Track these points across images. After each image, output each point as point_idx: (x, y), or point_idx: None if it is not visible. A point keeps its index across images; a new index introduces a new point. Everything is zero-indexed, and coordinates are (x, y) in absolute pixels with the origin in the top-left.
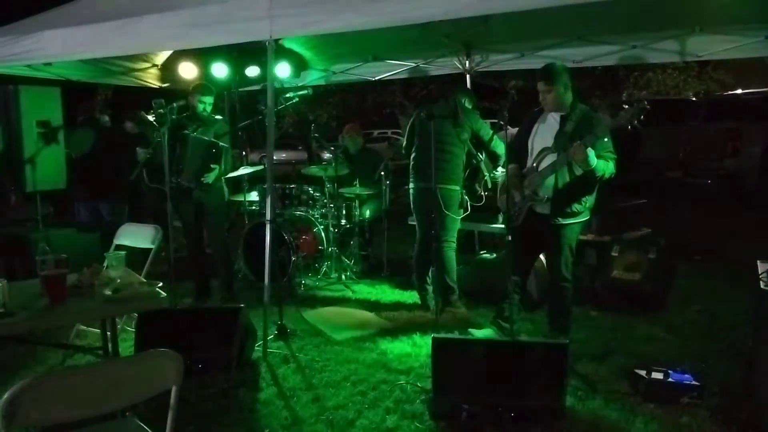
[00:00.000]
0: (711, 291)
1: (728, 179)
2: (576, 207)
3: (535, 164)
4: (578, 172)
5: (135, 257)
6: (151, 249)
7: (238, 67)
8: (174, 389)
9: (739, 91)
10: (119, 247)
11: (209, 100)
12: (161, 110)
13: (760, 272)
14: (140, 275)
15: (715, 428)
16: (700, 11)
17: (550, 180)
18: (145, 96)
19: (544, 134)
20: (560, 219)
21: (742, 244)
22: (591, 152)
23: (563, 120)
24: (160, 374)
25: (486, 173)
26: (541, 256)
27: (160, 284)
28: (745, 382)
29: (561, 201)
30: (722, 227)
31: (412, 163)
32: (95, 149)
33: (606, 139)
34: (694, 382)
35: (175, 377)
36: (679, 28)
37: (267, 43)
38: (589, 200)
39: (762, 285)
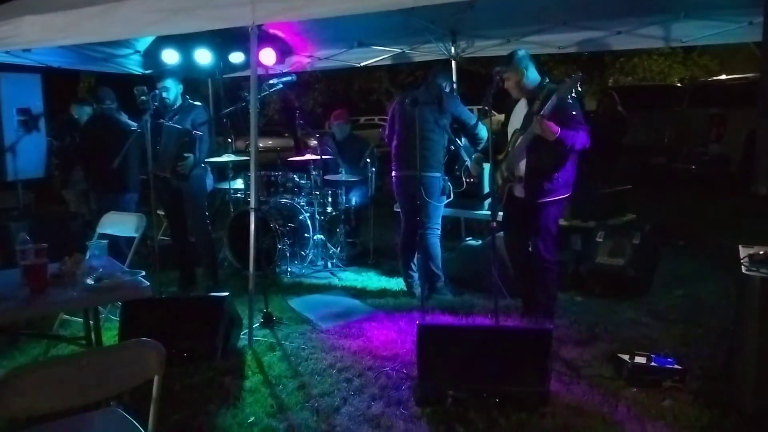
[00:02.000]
0: (694, 275)
1: (713, 165)
2: (547, 185)
3: (509, 148)
4: (550, 138)
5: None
6: (134, 237)
7: (221, 54)
8: (156, 378)
9: (724, 76)
10: (102, 236)
11: (171, 84)
12: (143, 97)
13: (741, 257)
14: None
15: (696, 411)
16: None
17: (524, 160)
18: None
19: (516, 118)
20: (535, 198)
21: (726, 229)
22: (551, 124)
23: (530, 102)
24: (142, 364)
25: (466, 159)
26: None
27: (143, 273)
28: (726, 365)
29: (533, 180)
30: (706, 212)
31: (393, 150)
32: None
33: (574, 112)
34: (676, 366)
35: (157, 367)
36: (664, 14)
37: (250, 29)
38: (561, 177)
39: (743, 269)
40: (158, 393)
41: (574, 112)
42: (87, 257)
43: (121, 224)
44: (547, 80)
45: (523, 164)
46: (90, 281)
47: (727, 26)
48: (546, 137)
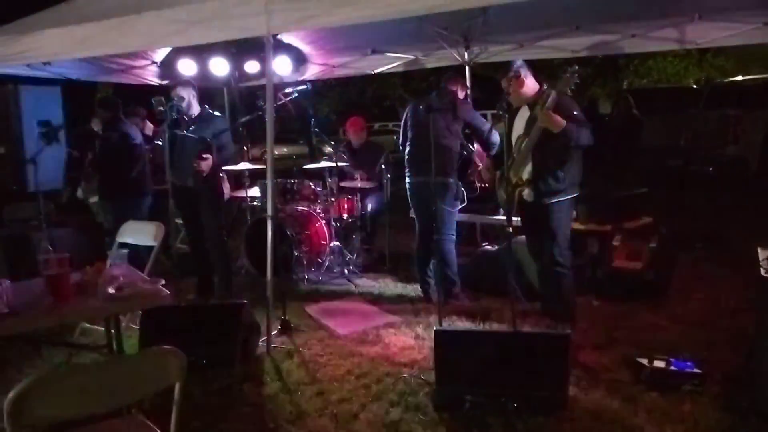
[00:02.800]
0: (713, 279)
1: (730, 166)
2: (554, 185)
3: (515, 153)
4: (555, 129)
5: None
6: (153, 246)
7: (237, 63)
8: (177, 386)
9: (740, 77)
10: (122, 245)
11: (184, 93)
12: (161, 108)
13: (760, 259)
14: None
15: (716, 415)
16: None
17: (529, 163)
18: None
19: (519, 124)
20: (543, 199)
21: (744, 232)
22: (556, 116)
23: (531, 107)
24: (163, 371)
25: (479, 164)
26: None
27: (163, 281)
28: (746, 369)
29: (540, 181)
30: (724, 215)
31: (407, 157)
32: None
33: (576, 112)
34: (695, 370)
35: (178, 374)
36: (678, 16)
37: (265, 39)
38: (568, 177)
39: (762, 272)
40: (179, 400)
41: (575, 112)
42: (108, 266)
43: (140, 233)
44: (546, 87)
45: (529, 168)
46: (111, 290)
47: (742, 27)
48: (552, 129)
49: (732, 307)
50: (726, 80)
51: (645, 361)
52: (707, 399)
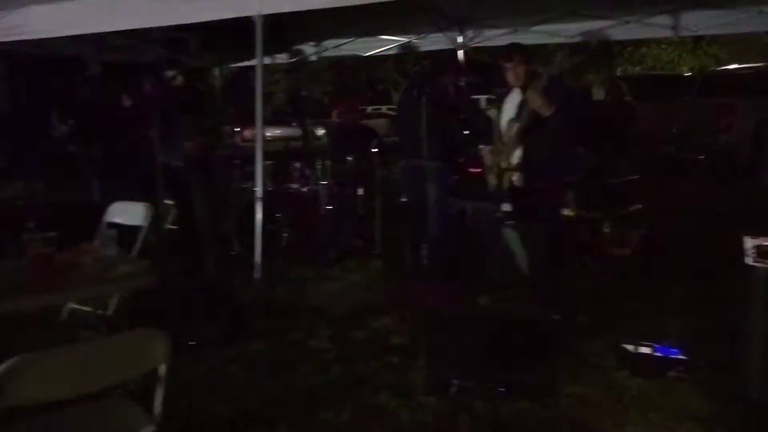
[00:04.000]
0: (701, 265)
1: (721, 155)
2: (544, 170)
3: (505, 138)
4: (546, 112)
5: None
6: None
7: (229, 43)
8: (162, 367)
9: (734, 66)
10: (111, 225)
11: (179, 71)
12: (150, 87)
13: (747, 247)
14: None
15: (701, 402)
16: None
17: (520, 147)
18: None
19: (509, 108)
20: (534, 183)
21: (733, 220)
22: (543, 99)
23: (523, 91)
24: (148, 352)
25: (473, 149)
26: None
27: (150, 263)
28: (732, 355)
29: (530, 165)
30: (714, 203)
31: (401, 140)
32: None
33: (566, 95)
34: (680, 356)
35: (162, 355)
36: (673, 3)
37: (256, 18)
38: (558, 161)
39: (749, 260)
40: (164, 381)
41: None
42: (95, 246)
43: (129, 213)
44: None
45: (519, 152)
46: (97, 272)
47: (737, 15)
48: (541, 112)
49: (718, 295)
50: (720, 69)
51: (631, 347)
52: (692, 385)
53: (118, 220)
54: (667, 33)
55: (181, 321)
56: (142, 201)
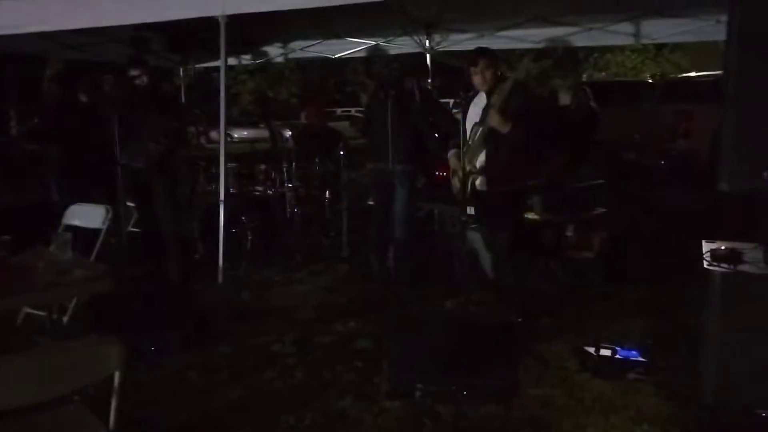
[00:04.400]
0: (661, 269)
1: (681, 160)
2: (507, 173)
3: (470, 141)
4: (502, 130)
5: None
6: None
7: (194, 43)
8: (117, 374)
9: (693, 73)
10: (68, 228)
11: (144, 72)
12: (110, 86)
13: (703, 252)
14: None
15: (659, 403)
16: None
17: (483, 151)
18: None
19: (474, 112)
20: (496, 187)
21: (692, 224)
22: (500, 117)
23: (489, 95)
24: (103, 359)
25: (441, 154)
26: None
27: (108, 267)
28: (688, 358)
29: (493, 169)
30: (674, 207)
31: (369, 143)
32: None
33: (529, 105)
34: (640, 359)
35: (118, 362)
36: (635, 11)
37: (220, 19)
38: (521, 166)
39: (705, 264)
40: (119, 389)
41: (528, 104)
42: (51, 250)
43: (87, 215)
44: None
45: (482, 156)
46: (52, 276)
47: (696, 24)
48: (499, 129)
49: (677, 298)
50: (680, 76)
51: (592, 350)
52: (651, 387)
53: (76, 222)
54: (629, 41)
55: (140, 326)
56: (102, 203)
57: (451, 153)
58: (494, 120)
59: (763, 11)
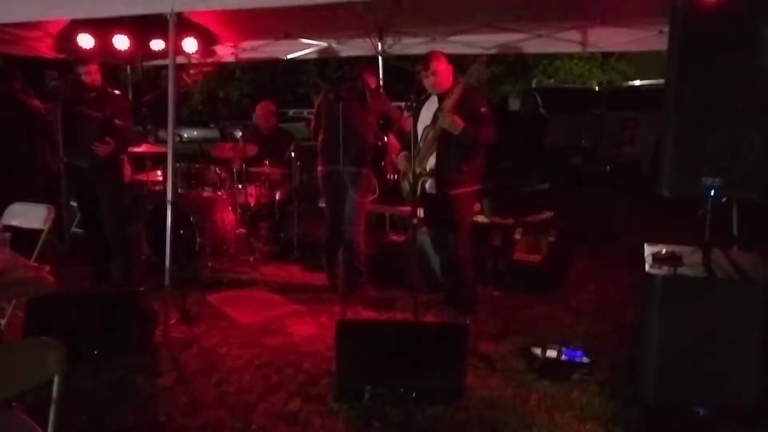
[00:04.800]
0: (605, 272)
1: (625, 166)
2: (456, 177)
3: (420, 144)
4: (454, 131)
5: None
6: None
7: (141, 40)
8: (56, 379)
9: (638, 82)
10: (7, 228)
11: (94, 68)
12: (54, 83)
13: (645, 255)
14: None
15: (602, 403)
16: (600, 4)
17: (433, 155)
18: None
19: (426, 115)
20: (446, 190)
21: (636, 228)
22: (455, 118)
23: (440, 99)
24: (42, 363)
25: (393, 156)
26: None
27: (48, 268)
28: (631, 358)
29: (442, 173)
30: (618, 212)
31: (320, 145)
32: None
33: (483, 109)
34: (584, 360)
35: (57, 366)
36: (581, 20)
37: (168, 16)
38: (470, 170)
39: (647, 267)
40: (59, 394)
41: (482, 109)
42: None
43: (28, 215)
44: (458, 80)
45: (433, 159)
46: None
47: (640, 34)
48: (450, 130)
49: (621, 300)
50: (625, 84)
51: (538, 351)
52: (594, 387)
53: (15, 222)
54: (576, 48)
55: (83, 329)
56: (44, 202)
57: (401, 155)
58: (446, 121)
59: (701, 24)
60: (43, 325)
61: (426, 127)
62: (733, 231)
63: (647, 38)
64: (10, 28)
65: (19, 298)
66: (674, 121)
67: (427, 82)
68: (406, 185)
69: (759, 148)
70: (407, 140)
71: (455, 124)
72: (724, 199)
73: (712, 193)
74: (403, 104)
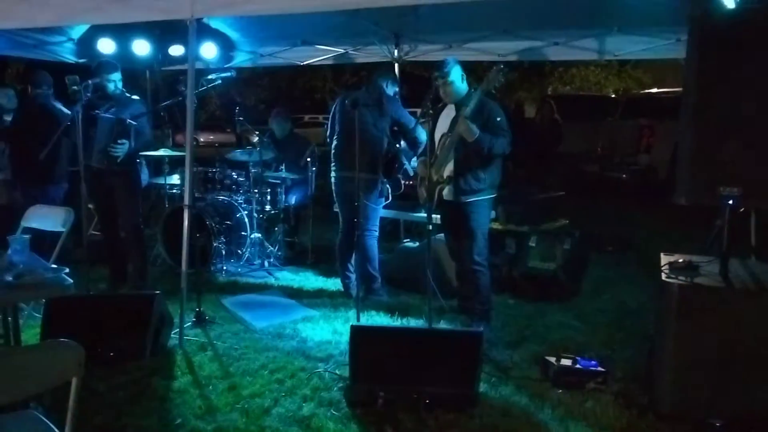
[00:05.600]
0: (621, 280)
1: (642, 174)
2: (474, 184)
3: (438, 151)
4: (469, 138)
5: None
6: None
7: (160, 45)
8: (74, 381)
9: (654, 89)
10: (27, 230)
11: (117, 77)
12: (75, 87)
13: (662, 264)
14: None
15: (616, 412)
16: (617, 12)
17: (451, 161)
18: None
19: (444, 123)
20: (462, 197)
21: (652, 237)
22: (472, 125)
23: (458, 107)
24: (60, 365)
25: (405, 162)
26: None
27: (67, 270)
28: (646, 367)
29: (460, 179)
30: (634, 220)
31: (333, 150)
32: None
33: (499, 119)
34: (599, 369)
35: (75, 368)
36: (598, 27)
37: (188, 23)
38: (488, 178)
39: (663, 276)
40: (76, 396)
41: (498, 118)
42: (8, 252)
43: (47, 218)
44: (475, 88)
45: (450, 166)
46: (9, 278)
47: (657, 42)
48: (465, 137)
49: (636, 309)
50: (642, 92)
51: (553, 360)
52: (609, 397)
53: (35, 225)
54: (592, 56)
55: (100, 331)
56: (63, 205)
57: (420, 161)
58: (462, 128)
59: (719, 31)
60: (61, 326)
61: (443, 135)
62: (751, 240)
63: (664, 46)
64: (34, 32)
65: (37, 300)
66: (692, 129)
67: (442, 90)
68: (423, 192)
69: None
70: (422, 148)
71: (471, 130)
72: (742, 209)
73: (731, 202)
74: (418, 111)
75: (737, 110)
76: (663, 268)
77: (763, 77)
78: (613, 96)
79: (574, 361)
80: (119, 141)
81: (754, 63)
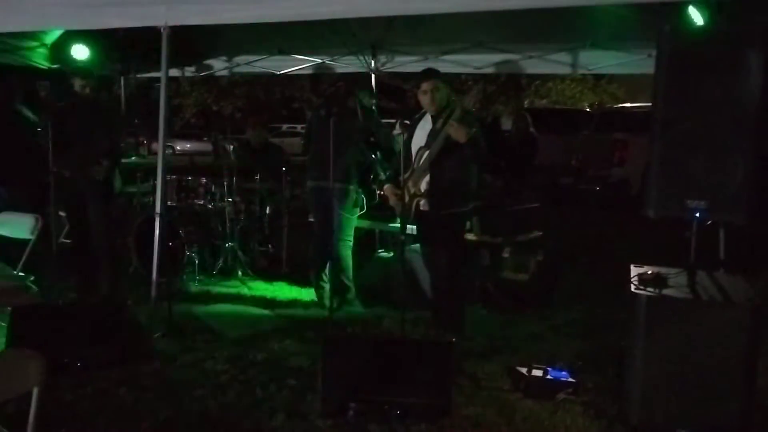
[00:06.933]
0: (592, 292)
1: (615, 187)
2: (450, 198)
3: (415, 165)
4: (462, 139)
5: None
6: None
7: (135, 52)
8: (35, 391)
9: (628, 104)
10: None
11: (90, 83)
12: (45, 93)
13: (631, 276)
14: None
15: (586, 423)
16: (590, 26)
17: (427, 174)
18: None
19: (420, 135)
20: (439, 211)
21: (624, 249)
22: (460, 127)
23: (435, 119)
24: (20, 375)
25: (381, 172)
26: None
27: (33, 278)
28: (616, 378)
29: (436, 193)
30: (607, 232)
31: (309, 160)
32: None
33: (474, 129)
34: (570, 379)
35: (36, 378)
36: (572, 42)
37: (162, 30)
38: (464, 190)
39: (632, 288)
40: (36, 406)
41: (473, 129)
42: None
43: (15, 225)
44: (453, 99)
45: (427, 179)
46: None
47: (629, 56)
48: (458, 138)
49: (607, 320)
50: (616, 106)
51: (524, 370)
52: (579, 407)
53: (3, 231)
54: (566, 69)
55: (68, 340)
56: (32, 212)
57: (386, 187)
58: (452, 128)
59: (687, 48)
60: (27, 335)
61: (420, 148)
62: (719, 253)
63: (636, 61)
64: (6, 37)
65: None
66: (660, 144)
67: (423, 100)
68: (398, 204)
69: (743, 172)
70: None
71: (463, 131)
72: (710, 222)
73: (698, 215)
74: (393, 121)
75: (704, 125)
76: (632, 280)
77: (728, 93)
78: (587, 110)
79: (545, 372)
80: (103, 162)
81: (721, 79)
